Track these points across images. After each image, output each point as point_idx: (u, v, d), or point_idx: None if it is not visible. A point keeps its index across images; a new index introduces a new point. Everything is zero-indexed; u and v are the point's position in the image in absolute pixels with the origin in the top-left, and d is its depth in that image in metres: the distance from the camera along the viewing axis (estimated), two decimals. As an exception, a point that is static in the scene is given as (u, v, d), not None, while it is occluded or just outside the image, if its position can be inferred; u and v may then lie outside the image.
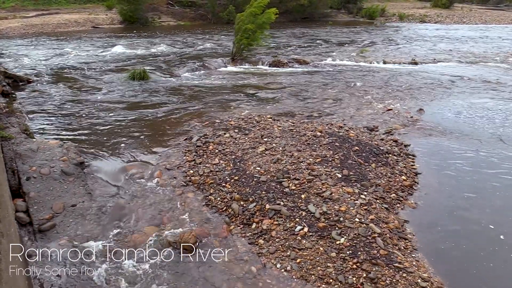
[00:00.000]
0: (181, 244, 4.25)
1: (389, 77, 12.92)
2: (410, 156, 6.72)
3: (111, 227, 4.63)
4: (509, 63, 16.27)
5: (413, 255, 4.20)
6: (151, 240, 4.38)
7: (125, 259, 4.05)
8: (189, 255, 4.17)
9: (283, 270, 3.97)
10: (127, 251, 4.19)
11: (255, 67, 14.51)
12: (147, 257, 4.11)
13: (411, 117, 8.85)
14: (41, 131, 7.22)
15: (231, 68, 14.15)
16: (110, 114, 8.47)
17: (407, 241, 4.42)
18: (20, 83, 10.96)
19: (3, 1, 31.49)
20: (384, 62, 15.57)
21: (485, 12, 49.12)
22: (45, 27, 24.79)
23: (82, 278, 3.79)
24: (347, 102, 9.94)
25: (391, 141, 7.29)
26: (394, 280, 3.71)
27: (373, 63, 15.48)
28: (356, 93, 10.84)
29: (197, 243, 4.32)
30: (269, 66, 14.53)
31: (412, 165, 6.37)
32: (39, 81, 11.36)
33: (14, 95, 9.52)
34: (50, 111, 8.63)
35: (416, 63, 15.54)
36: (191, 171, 5.78)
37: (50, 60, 14.65)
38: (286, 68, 14.41)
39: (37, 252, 4.08)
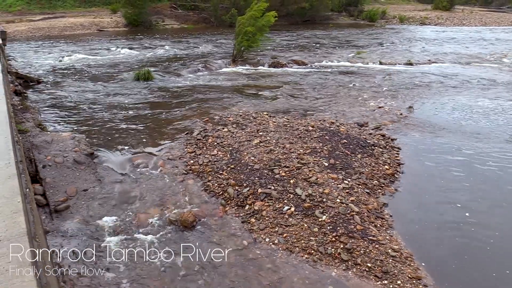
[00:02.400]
0: (181, 222, 4.78)
1: (383, 77, 13.42)
2: (395, 149, 7.24)
3: (119, 208, 5.16)
4: (502, 63, 16.75)
5: (388, 232, 4.72)
6: (154, 219, 4.92)
7: (132, 233, 4.59)
8: (188, 231, 4.70)
9: (271, 243, 4.50)
10: (133, 227, 4.73)
11: (255, 68, 15.05)
12: (151, 232, 4.65)
13: (401, 114, 9.35)
14: (53, 126, 7.79)
15: (231, 69, 14.70)
16: (117, 111, 9.03)
17: (383, 220, 4.94)
18: (31, 83, 11.54)
19: (10, 5, 32.21)
20: (380, 63, 16.08)
21: (486, 14, 49.51)
22: (52, 30, 25.45)
23: (94, 249, 4.32)
24: (340, 100, 10.46)
25: (379, 135, 7.80)
26: (367, 250, 4.23)
27: (369, 64, 15.99)
28: (350, 92, 11.36)
29: (195, 222, 4.85)
30: (269, 67, 15.08)
31: (396, 157, 6.89)
32: (48, 81, 11.94)
33: (26, 94, 10.10)
34: (60, 108, 9.21)
35: (411, 64, 16.04)
36: (192, 161, 6.32)
37: (58, 61, 15.24)
38: (285, 69, 14.94)
39: (54, 228, 4.62)
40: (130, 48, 18.63)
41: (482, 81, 13.03)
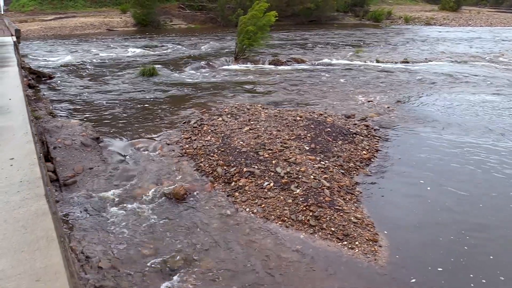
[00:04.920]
0: (173, 195, 5.46)
1: (378, 74, 14.00)
2: (376, 137, 7.85)
3: (120, 184, 5.85)
4: (499, 62, 17.21)
5: (355, 204, 5.35)
6: (151, 192, 5.60)
7: (130, 203, 5.28)
8: (180, 202, 5.38)
9: (250, 212, 5.15)
10: (132, 198, 5.41)
11: (256, 65, 15.71)
12: (147, 203, 5.33)
13: (388, 107, 9.95)
14: (63, 114, 8.53)
15: (233, 67, 15.38)
16: (122, 102, 9.76)
17: (353, 195, 5.57)
18: (43, 78, 12.32)
19: (23, 5, 33.26)
20: (377, 61, 16.64)
21: (493, 15, 49.58)
22: (63, 29, 26.36)
23: (97, 215, 5.02)
24: (333, 95, 11.08)
25: (363, 125, 8.40)
26: (332, 217, 4.86)
27: (367, 62, 16.56)
28: (343, 88, 11.97)
29: (186, 195, 5.52)
30: (269, 65, 15.72)
31: (375, 144, 7.50)
32: (59, 76, 12.72)
33: (38, 88, 10.87)
34: (70, 99, 9.97)
35: (407, 62, 16.58)
36: (187, 146, 7.00)
37: (68, 59, 16.05)
38: (284, 66, 15.58)
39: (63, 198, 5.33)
40: (138, 47, 19.40)
41: (474, 78, 13.55)
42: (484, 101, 10.58)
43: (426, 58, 17.44)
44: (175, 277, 4.01)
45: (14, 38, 12.93)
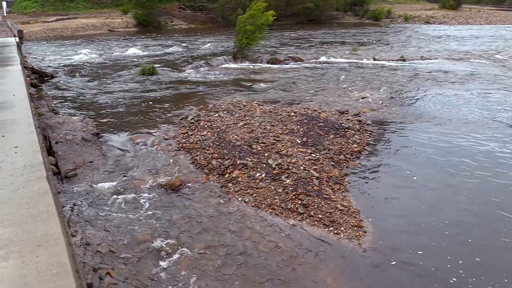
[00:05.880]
0: (169, 185, 5.72)
1: (374, 72, 14.24)
2: (368, 132, 8.09)
3: (119, 176, 6.12)
4: (494, 59, 17.40)
5: (343, 194, 5.60)
6: (148, 184, 5.86)
7: (128, 194, 5.54)
8: (175, 193, 5.64)
9: (242, 201, 5.41)
10: (130, 189, 5.68)
11: (254, 64, 15.97)
12: (144, 193, 5.59)
13: (381, 103, 10.19)
14: (64, 110, 8.81)
15: (231, 65, 15.64)
16: (121, 100, 10.04)
17: (341, 185, 5.82)
18: (45, 78, 12.62)
19: (25, 7, 33.64)
20: (374, 59, 16.87)
21: (493, 13, 49.72)
22: (65, 30, 26.70)
23: (96, 204, 5.28)
24: (328, 92, 11.32)
25: (356, 120, 8.65)
26: (320, 205, 5.12)
27: (364, 60, 16.80)
28: (339, 85, 12.22)
29: (181, 186, 5.78)
30: (267, 63, 15.98)
31: (367, 138, 7.75)
32: (61, 76, 13.01)
33: (41, 87, 11.16)
34: (71, 97, 10.25)
35: (404, 60, 16.81)
36: (184, 140, 7.26)
37: (70, 59, 16.37)
38: (282, 65, 15.84)
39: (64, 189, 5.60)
40: (138, 47, 19.69)
41: (467, 75, 13.76)
42: (474, 97, 10.80)
43: (422, 56, 17.65)
44: (169, 259, 4.27)
45: (17, 39, 13.21)
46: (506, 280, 4.03)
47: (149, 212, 5.15)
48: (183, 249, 4.45)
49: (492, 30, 30.37)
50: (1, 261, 2.01)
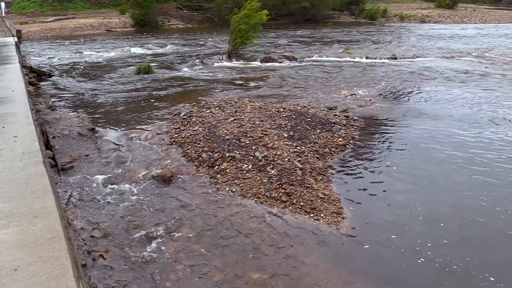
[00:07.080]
0: (161, 177, 6.03)
1: (365, 70, 14.56)
2: (354, 126, 8.41)
3: (114, 168, 6.43)
4: (484, 57, 17.74)
5: (325, 183, 5.92)
6: (141, 175, 6.17)
7: (121, 184, 5.85)
8: (166, 183, 5.95)
9: (230, 191, 5.72)
10: (123, 181, 5.99)
11: (248, 62, 16.28)
12: (137, 184, 5.90)
13: (369, 100, 10.51)
14: (62, 108, 9.12)
15: (226, 64, 15.96)
16: (117, 98, 10.35)
17: (324, 176, 6.13)
18: (43, 77, 12.92)
19: (24, 7, 33.92)
20: (367, 58, 17.19)
21: (488, 12, 49.97)
22: (63, 30, 26.98)
23: (91, 194, 5.59)
24: (318, 89, 11.64)
25: (343, 116, 8.96)
26: (302, 194, 5.44)
27: (356, 58, 17.11)
28: (329, 82, 12.54)
29: (173, 177, 6.09)
30: (261, 62, 16.28)
31: (352, 132, 8.06)
32: (58, 75, 13.32)
33: (39, 85, 11.46)
34: (68, 94, 10.56)
35: (395, 58, 17.12)
36: (176, 135, 7.57)
37: (68, 58, 16.66)
38: (276, 63, 16.15)
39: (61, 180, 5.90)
40: (136, 46, 19.98)
41: (455, 73, 14.09)
42: (461, 94, 11.13)
43: (414, 55, 17.97)
44: (158, 243, 4.58)
45: (16, 39, 13.52)
46: (469, 254, 4.35)
47: (142, 201, 5.46)
48: (173, 233, 4.76)
49: (485, 29, 30.67)
50: (3, 229, 2.32)
